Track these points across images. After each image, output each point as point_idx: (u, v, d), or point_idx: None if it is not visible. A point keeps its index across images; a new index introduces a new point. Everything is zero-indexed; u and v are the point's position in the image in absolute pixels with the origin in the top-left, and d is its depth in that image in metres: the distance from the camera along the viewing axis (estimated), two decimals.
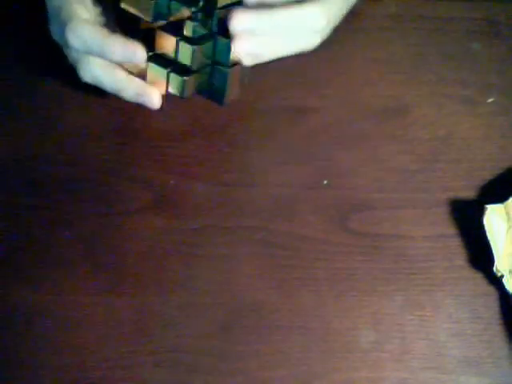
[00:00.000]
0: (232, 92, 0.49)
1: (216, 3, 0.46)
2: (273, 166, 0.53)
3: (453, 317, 0.50)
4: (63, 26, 0.46)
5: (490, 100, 0.53)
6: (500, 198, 0.49)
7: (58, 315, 0.51)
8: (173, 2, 0.46)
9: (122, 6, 0.46)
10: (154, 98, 0.48)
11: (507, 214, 0.49)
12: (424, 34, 0.55)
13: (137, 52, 0.46)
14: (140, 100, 0.48)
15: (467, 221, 0.51)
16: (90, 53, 0.46)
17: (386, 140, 0.53)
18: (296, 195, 0.52)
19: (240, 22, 0.45)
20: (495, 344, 0.49)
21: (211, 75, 0.48)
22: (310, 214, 0.52)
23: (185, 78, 0.47)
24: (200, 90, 0.49)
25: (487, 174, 0.52)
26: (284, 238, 0.51)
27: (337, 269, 0.51)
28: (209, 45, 0.47)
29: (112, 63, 0.47)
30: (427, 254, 0.51)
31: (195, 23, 0.46)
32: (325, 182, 0.52)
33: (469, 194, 0.52)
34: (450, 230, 0.51)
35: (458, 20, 0.55)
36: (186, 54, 0.47)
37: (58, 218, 0.52)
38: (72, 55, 0.48)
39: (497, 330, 0.49)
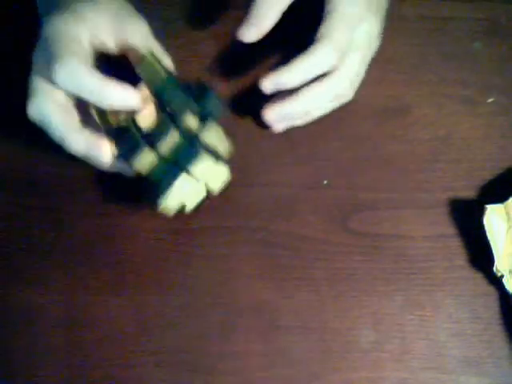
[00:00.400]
0: (170, 201, 0.45)
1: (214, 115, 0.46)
2: (273, 165, 0.53)
3: (453, 317, 0.50)
4: (53, 58, 0.43)
5: (490, 100, 0.53)
6: (500, 198, 0.49)
7: (58, 315, 0.51)
8: (177, 89, 0.45)
9: (138, 71, 0.46)
10: (104, 153, 0.45)
11: (507, 214, 0.49)
12: (424, 33, 0.55)
13: (133, 95, 0.44)
14: (89, 153, 0.45)
15: (467, 221, 0.51)
16: (76, 92, 0.44)
17: (386, 140, 0.53)
18: (296, 195, 0.52)
19: (274, 116, 0.50)
20: (495, 344, 0.49)
21: (159, 171, 0.45)
22: (310, 214, 0.52)
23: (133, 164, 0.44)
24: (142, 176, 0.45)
25: (487, 174, 0.52)
26: (284, 238, 0.51)
27: (337, 269, 0.51)
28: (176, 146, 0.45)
29: (69, 107, 0.45)
30: (427, 253, 0.51)
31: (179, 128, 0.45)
32: (325, 182, 0.52)
33: (469, 193, 0.52)
34: (449, 229, 0.51)
35: (459, 20, 0.55)
36: (144, 159, 0.44)
37: (58, 218, 0.52)
38: (34, 83, 0.45)
39: (497, 329, 0.49)
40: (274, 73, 0.47)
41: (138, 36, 0.46)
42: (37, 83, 0.45)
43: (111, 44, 0.47)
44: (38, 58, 0.46)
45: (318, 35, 0.47)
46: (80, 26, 0.45)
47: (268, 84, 0.47)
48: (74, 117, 0.46)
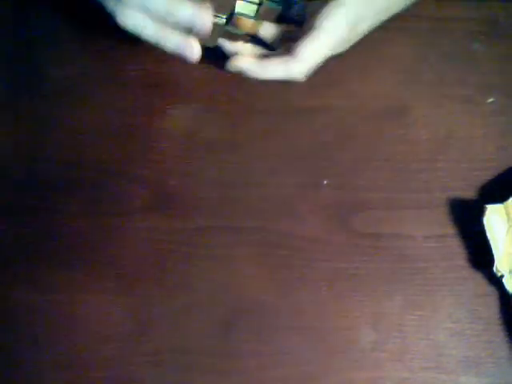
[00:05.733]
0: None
1: None
2: (273, 165, 0.53)
3: (453, 317, 0.50)
4: None
5: (490, 100, 0.53)
6: (500, 198, 0.49)
7: (58, 315, 0.51)
8: None
9: None
10: (194, 49, 0.47)
11: (507, 214, 0.49)
12: (424, 34, 0.55)
13: (203, 17, 0.45)
14: (180, 51, 0.47)
15: (467, 221, 0.51)
16: (146, 10, 0.46)
17: (386, 140, 0.53)
18: (296, 195, 0.52)
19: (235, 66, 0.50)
20: (495, 344, 0.49)
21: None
22: (310, 214, 0.52)
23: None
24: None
25: (487, 174, 0.52)
26: (284, 238, 0.51)
27: (336, 269, 0.51)
28: None
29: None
30: (427, 253, 0.51)
31: None
32: (325, 182, 0.52)
33: (469, 193, 0.52)
34: (450, 229, 0.51)
35: (458, 20, 0.55)
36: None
37: (58, 218, 0.52)
38: (111, 3, 0.47)
39: (497, 329, 0.49)
40: (247, 60, 0.49)
41: None
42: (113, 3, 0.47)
43: None
44: None
45: (301, 48, 0.48)
46: None
47: (235, 67, 0.50)
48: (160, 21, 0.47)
